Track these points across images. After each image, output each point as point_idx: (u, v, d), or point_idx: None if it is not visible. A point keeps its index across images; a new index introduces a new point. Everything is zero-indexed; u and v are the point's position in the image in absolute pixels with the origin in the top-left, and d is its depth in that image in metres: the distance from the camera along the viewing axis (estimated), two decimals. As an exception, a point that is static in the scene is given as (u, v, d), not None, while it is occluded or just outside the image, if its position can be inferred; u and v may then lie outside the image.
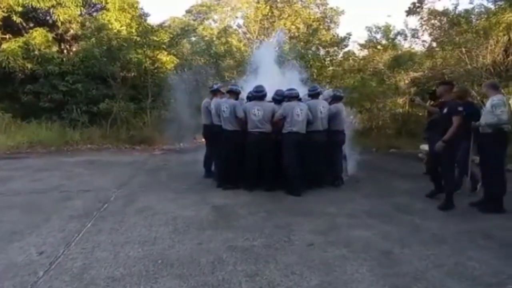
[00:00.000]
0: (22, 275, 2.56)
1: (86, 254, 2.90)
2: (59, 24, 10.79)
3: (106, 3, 11.17)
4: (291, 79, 6.17)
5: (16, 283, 2.45)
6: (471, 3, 12.40)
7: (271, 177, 4.94)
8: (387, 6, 27.57)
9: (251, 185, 4.94)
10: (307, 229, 3.50)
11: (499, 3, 9.08)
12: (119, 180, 5.58)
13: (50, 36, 10.64)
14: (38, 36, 10.25)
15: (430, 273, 2.65)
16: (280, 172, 4.86)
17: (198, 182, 5.53)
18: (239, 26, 15.85)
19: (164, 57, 11.58)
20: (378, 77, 11.83)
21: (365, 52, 13.49)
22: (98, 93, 10.73)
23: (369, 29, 13.09)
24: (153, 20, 24.69)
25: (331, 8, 15.38)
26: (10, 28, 10.79)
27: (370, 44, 13.11)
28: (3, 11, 10.12)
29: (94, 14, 11.80)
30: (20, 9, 10.22)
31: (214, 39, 13.07)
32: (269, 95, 5.10)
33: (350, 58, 13.06)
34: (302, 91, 5.33)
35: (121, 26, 10.94)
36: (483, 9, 9.58)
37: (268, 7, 14.58)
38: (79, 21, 11.20)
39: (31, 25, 11.09)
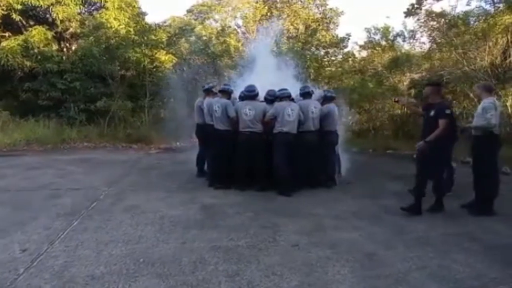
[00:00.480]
0: (2, 272, 2.56)
1: (68, 252, 2.90)
2: (59, 22, 10.78)
3: (105, 1, 11.16)
4: (286, 76, 6.14)
5: (-5, 279, 2.46)
6: (468, 5, 12.38)
7: (262, 177, 4.93)
8: (386, 7, 27.47)
9: (242, 185, 4.93)
10: (293, 230, 3.49)
11: (498, 5, 9.04)
12: (111, 179, 5.57)
13: (50, 34, 10.61)
14: (37, 34, 10.24)
15: (412, 275, 2.65)
16: (271, 172, 4.84)
17: (190, 181, 5.52)
18: (238, 26, 15.83)
19: (162, 56, 11.56)
20: (377, 79, 11.80)
21: (364, 53, 13.48)
22: (96, 91, 10.72)
23: (368, 30, 13.08)
24: (154, 19, 24.87)
25: (331, 9, 15.29)
26: (10, 26, 10.80)
27: (369, 45, 13.09)
28: (2, 9, 10.13)
29: (93, 12, 11.81)
30: (19, 7, 10.23)
31: (213, 38, 13.06)
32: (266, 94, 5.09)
33: (350, 59, 13.04)
34: (296, 90, 5.29)
35: (119, 25, 10.94)
36: (481, 11, 9.56)
37: (266, 7, 14.56)
38: (78, 19, 11.19)
39: (31, 23, 11.09)
